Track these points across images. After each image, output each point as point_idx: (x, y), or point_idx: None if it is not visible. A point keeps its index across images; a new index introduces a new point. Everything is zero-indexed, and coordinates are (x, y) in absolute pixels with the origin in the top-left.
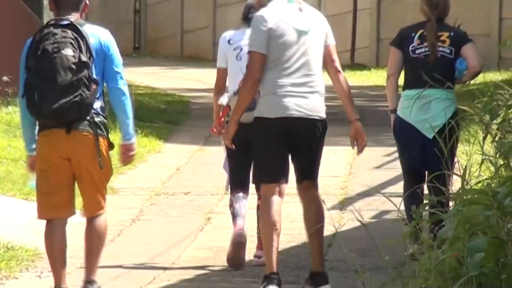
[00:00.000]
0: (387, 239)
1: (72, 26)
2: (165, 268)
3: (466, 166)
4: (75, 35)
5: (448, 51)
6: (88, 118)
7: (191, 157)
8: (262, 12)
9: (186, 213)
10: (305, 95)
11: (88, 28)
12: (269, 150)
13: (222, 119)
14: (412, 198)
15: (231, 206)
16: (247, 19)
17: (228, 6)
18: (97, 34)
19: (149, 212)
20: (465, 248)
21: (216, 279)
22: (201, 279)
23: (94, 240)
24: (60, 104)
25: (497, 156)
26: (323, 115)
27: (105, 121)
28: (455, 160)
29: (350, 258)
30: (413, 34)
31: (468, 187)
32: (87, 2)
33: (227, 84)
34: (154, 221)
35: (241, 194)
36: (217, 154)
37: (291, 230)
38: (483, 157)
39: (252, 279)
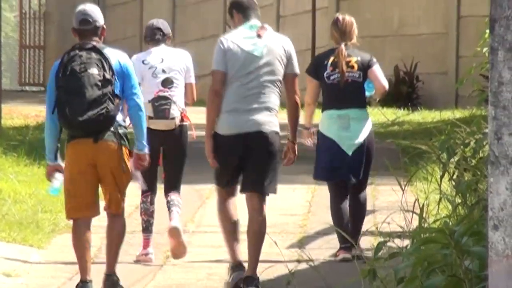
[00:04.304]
0: (346, 277)
1: (95, 49)
2: None
3: (423, 204)
4: (99, 56)
5: (357, 75)
6: (112, 129)
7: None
8: (222, 36)
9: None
10: (255, 112)
11: (108, 51)
12: (224, 161)
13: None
14: (339, 211)
15: (142, 213)
16: (153, 40)
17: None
18: (117, 57)
19: None
20: (422, 286)
21: None
22: None
23: (114, 237)
24: (88, 116)
25: (455, 194)
26: (271, 129)
27: (126, 132)
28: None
29: None
30: (325, 62)
31: (426, 225)
32: (104, 27)
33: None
34: None
35: (149, 198)
36: None
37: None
38: (441, 195)
39: None
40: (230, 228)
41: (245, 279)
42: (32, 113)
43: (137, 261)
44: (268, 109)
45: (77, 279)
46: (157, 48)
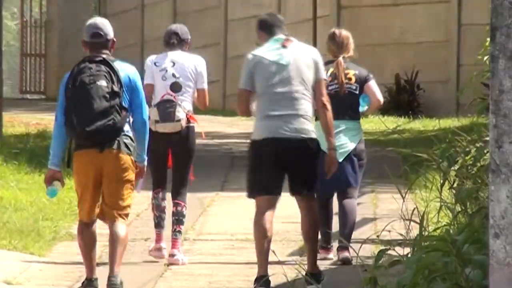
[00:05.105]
0: (346, 285)
1: (105, 62)
2: None
3: (424, 212)
4: (108, 69)
5: (354, 87)
6: (118, 139)
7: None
8: (249, 54)
9: (146, 259)
10: (289, 118)
11: (118, 64)
12: (261, 167)
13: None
14: (325, 214)
15: (154, 209)
16: (168, 44)
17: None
18: (126, 70)
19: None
20: None
21: None
22: None
23: (115, 245)
24: (96, 126)
25: (455, 202)
26: (307, 135)
27: (132, 143)
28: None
29: None
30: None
31: (426, 233)
32: (114, 40)
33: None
34: None
35: (160, 195)
36: None
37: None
38: (441, 203)
39: None
40: (262, 242)
41: (307, 276)
42: (33, 121)
43: (149, 258)
44: (302, 116)
45: (78, 287)
46: (172, 52)
